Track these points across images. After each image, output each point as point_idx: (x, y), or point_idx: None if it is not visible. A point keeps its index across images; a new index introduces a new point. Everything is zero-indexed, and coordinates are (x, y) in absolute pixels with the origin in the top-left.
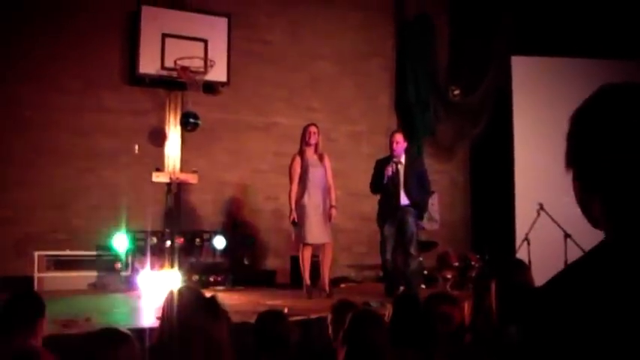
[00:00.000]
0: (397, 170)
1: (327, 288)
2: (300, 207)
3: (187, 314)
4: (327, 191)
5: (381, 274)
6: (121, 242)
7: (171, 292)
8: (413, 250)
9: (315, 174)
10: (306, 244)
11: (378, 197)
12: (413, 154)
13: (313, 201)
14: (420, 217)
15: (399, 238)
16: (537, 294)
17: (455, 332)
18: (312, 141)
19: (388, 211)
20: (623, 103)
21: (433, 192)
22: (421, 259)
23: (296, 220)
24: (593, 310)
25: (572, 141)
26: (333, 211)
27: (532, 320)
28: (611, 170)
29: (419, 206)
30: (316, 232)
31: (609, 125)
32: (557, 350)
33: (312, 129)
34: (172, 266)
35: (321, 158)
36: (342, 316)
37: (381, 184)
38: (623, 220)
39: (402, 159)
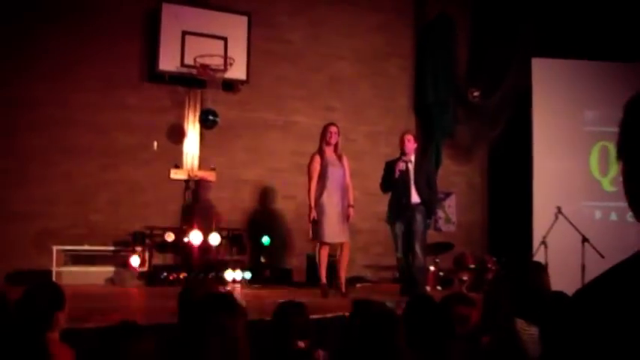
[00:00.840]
0: (407, 169)
1: (343, 288)
2: (318, 206)
3: (204, 311)
4: (345, 191)
5: (397, 274)
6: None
7: (188, 289)
8: (418, 249)
9: (335, 173)
10: (323, 243)
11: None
12: (429, 153)
13: (332, 200)
14: (429, 216)
15: (408, 238)
16: (572, 299)
17: (471, 333)
18: (333, 141)
19: (398, 209)
20: None
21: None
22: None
23: (315, 218)
24: (628, 317)
25: (624, 129)
26: (351, 211)
27: (563, 326)
28: None
29: (428, 205)
30: (334, 231)
31: None
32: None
33: (333, 129)
34: (189, 263)
35: (340, 158)
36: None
37: (392, 180)
38: None
39: (412, 158)
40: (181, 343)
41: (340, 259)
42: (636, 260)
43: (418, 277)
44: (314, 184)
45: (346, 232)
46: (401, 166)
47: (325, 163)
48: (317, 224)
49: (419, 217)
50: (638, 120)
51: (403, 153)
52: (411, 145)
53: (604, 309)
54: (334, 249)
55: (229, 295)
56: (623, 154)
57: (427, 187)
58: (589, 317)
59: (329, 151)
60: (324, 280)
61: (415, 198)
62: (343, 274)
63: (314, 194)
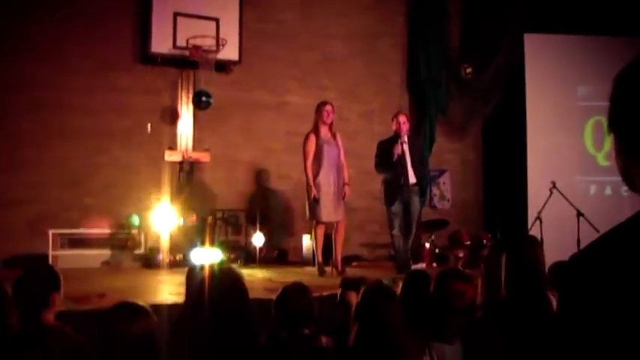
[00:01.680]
0: (402, 150)
1: (339, 266)
2: (315, 185)
3: (221, 297)
4: (340, 169)
5: (393, 252)
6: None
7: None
8: (414, 228)
9: (330, 152)
10: (320, 223)
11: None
12: (422, 132)
13: (328, 179)
14: (422, 194)
15: (403, 217)
16: (575, 261)
17: (466, 309)
18: (328, 120)
19: (396, 189)
20: None
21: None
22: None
23: (316, 196)
24: (631, 276)
25: (614, 103)
26: (347, 189)
27: (570, 287)
28: None
29: (423, 184)
30: (331, 210)
31: None
32: (596, 317)
33: (328, 107)
34: (187, 244)
35: (334, 136)
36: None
37: (390, 163)
38: None
39: (406, 138)
40: (191, 325)
41: (336, 238)
42: (632, 223)
43: (409, 255)
44: (310, 163)
45: (342, 211)
46: (398, 149)
47: (321, 142)
48: (316, 203)
49: (416, 198)
50: (628, 93)
51: (398, 134)
52: (405, 126)
53: (604, 270)
54: (330, 227)
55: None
56: (614, 127)
57: (421, 165)
58: (591, 279)
59: (324, 130)
60: (320, 258)
61: (412, 178)
62: (340, 253)
63: (310, 173)
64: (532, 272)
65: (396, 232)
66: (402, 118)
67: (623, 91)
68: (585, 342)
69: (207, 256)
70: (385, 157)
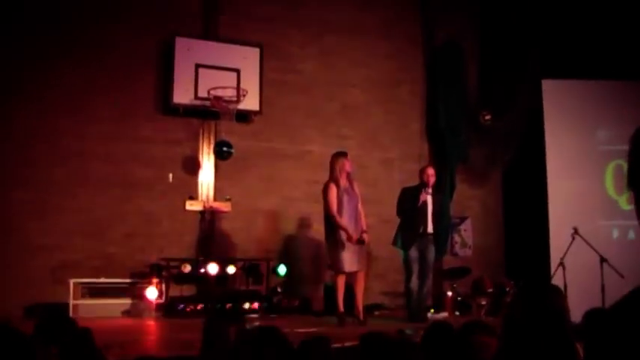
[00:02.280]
0: (426, 200)
1: (361, 315)
2: (339, 235)
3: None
4: (359, 218)
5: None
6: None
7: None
8: (430, 275)
9: (350, 203)
10: (341, 272)
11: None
12: (443, 183)
13: (349, 229)
14: (438, 246)
15: (419, 264)
16: (608, 314)
17: None
18: (349, 170)
19: (414, 236)
20: None
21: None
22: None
23: (346, 240)
24: None
25: (631, 162)
26: (366, 236)
27: (600, 339)
28: None
29: (441, 237)
30: (353, 260)
31: None
32: None
33: (348, 161)
34: (207, 294)
35: (352, 186)
36: (372, 347)
37: (414, 208)
38: None
39: (430, 190)
40: None
41: (357, 288)
42: None
43: (426, 303)
44: (336, 210)
45: (364, 260)
46: (424, 196)
47: (341, 193)
48: (339, 252)
49: (432, 247)
50: None
51: (425, 185)
52: (433, 179)
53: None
54: (351, 277)
55: (276, 330)
56: (633, 186)
57: (438, 220)
58: (631, 327)
59: (343, 180)
60: (341, 308)
61: (430, 228)
62: (361, 302)
63: (339, 218)
64: (558, 322)
65: (412, 284)
66: (430, 171)
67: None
68: None
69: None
70: (409, 202)
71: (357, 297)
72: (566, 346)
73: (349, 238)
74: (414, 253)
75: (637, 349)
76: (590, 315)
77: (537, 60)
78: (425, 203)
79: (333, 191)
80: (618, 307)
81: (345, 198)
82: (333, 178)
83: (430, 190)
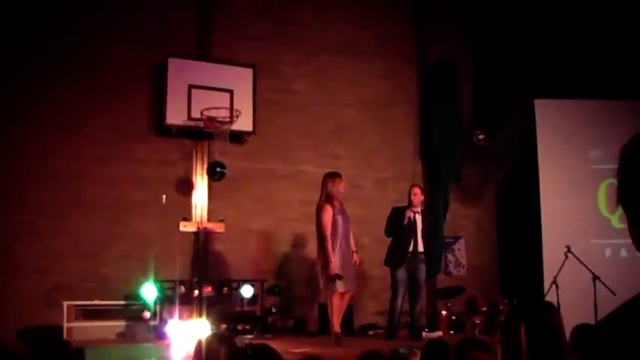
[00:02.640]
0: (415, 219)
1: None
2: (333, 259)
3: None
4: (349, 239)
5: (409, 320)
6: (149, 291)
7: (201, 342)
8: (423, 295)
9: (344, 224)
10: (336, 292)
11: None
12: (436, 203)
13: (342, 250)
14: (431, 266)
15: (409, 284)
16: (595, 329)
17: None
18: (342, 192)
19: (402, 256)
20: None
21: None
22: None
23: (338, 273)
24: None
25: (621, 179)
26: (356, 256)
27: (591, 355)
28: None
29: (434, 256)
30: (347, 280)
31: None
32: None
33: (342, 181)
34: (201, 315)
35: (342, 206)
36: None
37: (399, 227)
38: None
39: (419, 209)
40: None
41: (342, 308)
42: None
43: (420, 322)
44: (329, 235)
45: (355, 281)
46: (410, 213)
47: (335, 214)
48: (339, 277)
49: (423, 267)
50: (634, 168)
51: (410, 204)
52: (417, 198)
53: (627, 340)
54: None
55: (268, 348)
56: (623, 202)
57: (429, 239)
58: (613, 349)
59: (337, 201)
60: (337, 328)
61: (420, 247)
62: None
63: (331, 246)
64: (553, 339)
65: (396, 303)
66: (416, 190)
67: (629, 168)
68: None
69: (195, 328)
70: (396, 221)
71: (340, 315)
72: None
73: (337, 271)
74: (401, 273)
75: None
76: (578, 331)
77: (531, 80)
78: (413, 222)
79: (327, 214)
80: (607, 322)
81: (340, 218)
82: (328, 199)
83: (418, 209)
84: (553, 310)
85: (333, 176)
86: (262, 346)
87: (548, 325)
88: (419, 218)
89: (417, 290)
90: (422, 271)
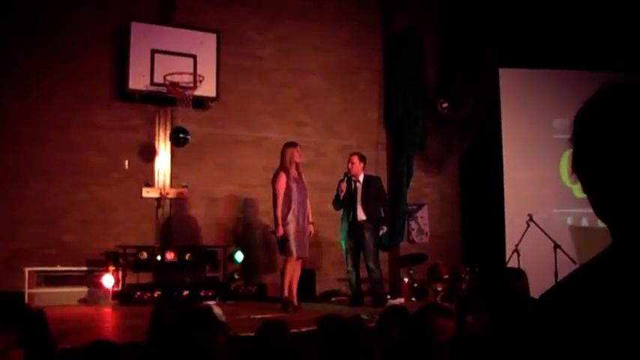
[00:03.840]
0: (355, 188)
1: (296, 301)
2: (285, 224)
3: (182, 326)
4: (306, 208)
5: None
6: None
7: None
8: (372, 264)
9: (299, 192)
10: (292, 258)
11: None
12: (400, 167)
13: (297, 217)
14: (375, 226)
15: (358, 253)
16: (546, 298)
17: (448, 343)
18: (299, 161)
19: (347, 226)
20: (623, 103)
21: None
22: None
23: (283, 235)
24: (598, 313)
25: (573, 144)
26: (312, 228)
27: (540, 324)
28: (608, 172)
29: (376, 221)
30: (302, 246)
31: (608, 126)
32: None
33: (299, 150)
34: (163, 281)
35: (300, 175)
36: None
37: (339, 200)
38: (621, 222)
39: (360, 178)
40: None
41: (295, 274)
42: (602, 259)
43: (377, 289)
44: (281, 202)
45: (307, 248)
46: (342, 186)
47: (290, 182)
48: (286, 241)
49: (367, 235)
50: (586, 132)
51: (347, 173)
52: (355, 166)
53: (574, 308)
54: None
55: (208, 310)
56: (575, 168)
57: (377, 202)
58: (559, 318)
59: (292, 170)
60: (286, 293)
61: (361, 215)
62: (296, 289)
63: (281, 212)
64: (521, 304)
65: (349, 268)
66: (353, 159)
67: (581, 133)
68: None
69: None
70: (337, 194)
71: (294, 283)
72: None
73: (284, 234)
74: (348, 243)
75: (571, 333)
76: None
77: (496, 49)
78: (353, 192)
79: (281, 181)
80: (562, 284)
81: (295, 187)
82: (283, 168)
83: (358, 178)
84: (520, 276)
85: (288, 145)
86: (201, 310)
87: (517, 289)
88: (359, 187)
89: (367, 257)
90: (367, 238)
